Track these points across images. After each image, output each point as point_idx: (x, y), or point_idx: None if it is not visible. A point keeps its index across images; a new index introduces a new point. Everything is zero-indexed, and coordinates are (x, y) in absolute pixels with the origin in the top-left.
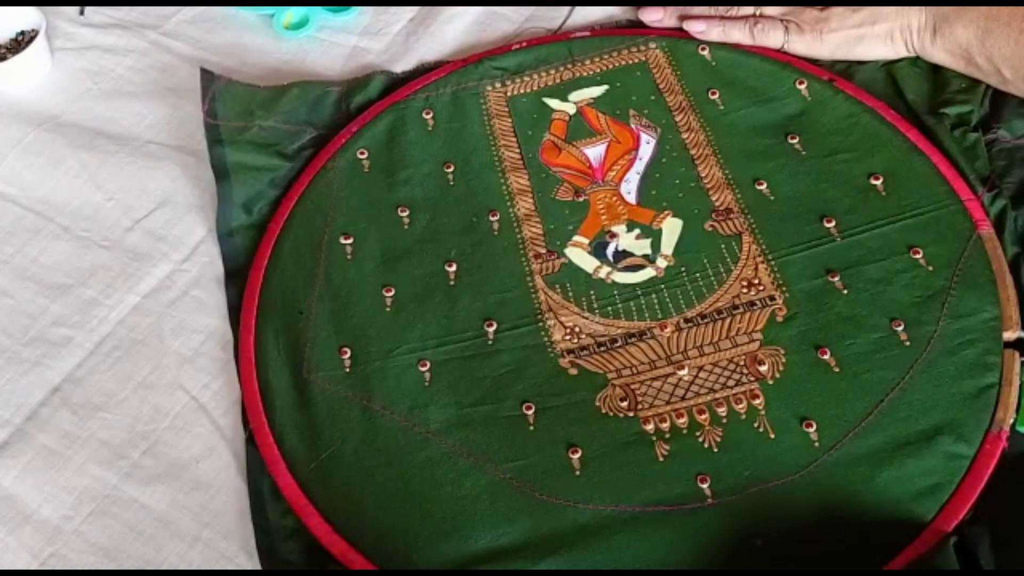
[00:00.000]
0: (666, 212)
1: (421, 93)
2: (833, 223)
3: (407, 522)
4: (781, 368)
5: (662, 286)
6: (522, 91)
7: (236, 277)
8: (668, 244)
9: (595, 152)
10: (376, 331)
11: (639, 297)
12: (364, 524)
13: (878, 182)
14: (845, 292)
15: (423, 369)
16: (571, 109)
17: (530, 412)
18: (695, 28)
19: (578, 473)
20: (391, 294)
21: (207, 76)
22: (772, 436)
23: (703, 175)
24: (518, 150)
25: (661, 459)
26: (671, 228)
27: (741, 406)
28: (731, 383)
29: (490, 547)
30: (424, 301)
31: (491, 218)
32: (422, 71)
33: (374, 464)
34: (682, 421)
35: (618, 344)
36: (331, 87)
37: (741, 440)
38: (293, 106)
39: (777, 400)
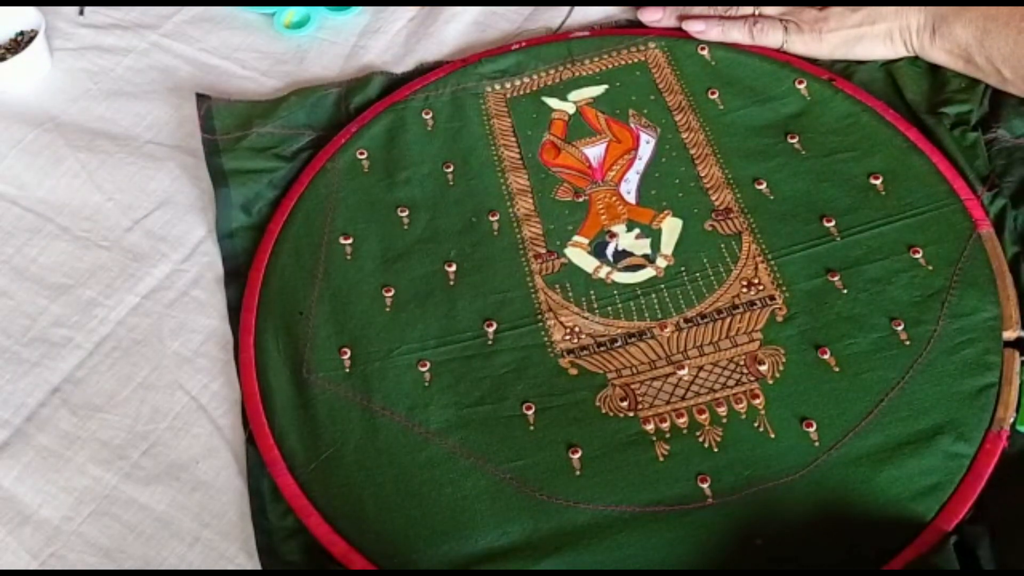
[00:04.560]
0: (666, 212)
1: (420, 93)
2: (833, 223)
3: (407, 522)
4: (781, 368)
5: (662, 286)
6: (521, 91)
7: (236, 277)
8: (668, 244)
9: (595, 152)
10: (376, 331)
11: (639, 297)
12: (364, 524)
13: (878, 181)
14: (845, 292)
15: (423, 369)
16: (571, 109)
17: (530, 412)
18: (694, 28)
19: (578, 473)
20: (391, 294)
21: (202, 99)
22: (772, 436)
23: (703, 175)
24: (517, 150)
25: (661, 459)
26: (671, 228)
27: (741, 406)
28: (731, 383)
29: (490, 547)
30: (424, 301)
31: (491, 218)
32: (421, 71)
33: (374, 464)
34: (682, 421)
35: (618, 344)
36: (330, 89)
37: (741, 440)
38: (292, 111)
39: (777, 400)
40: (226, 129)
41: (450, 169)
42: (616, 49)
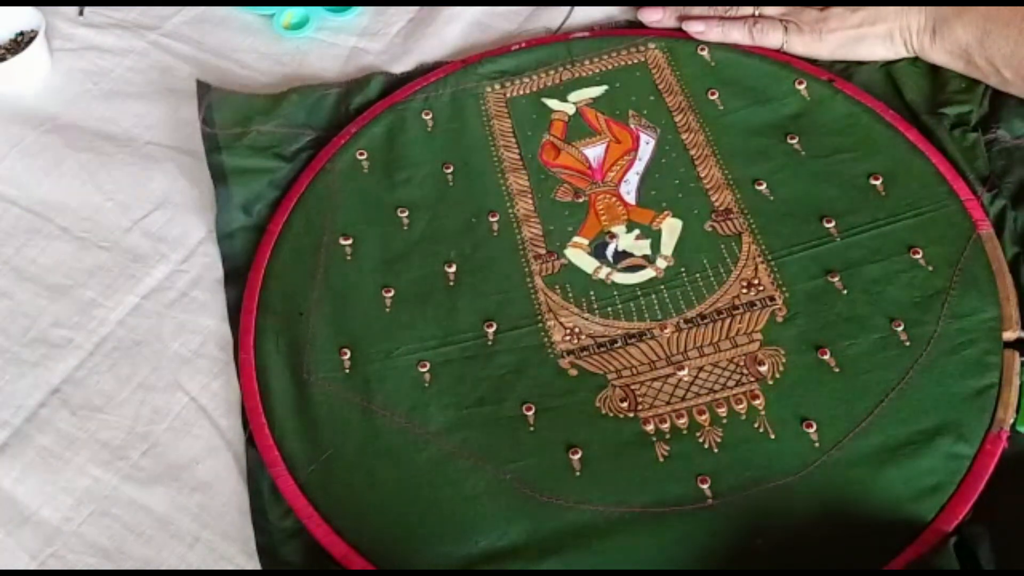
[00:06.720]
0: (666, 212)
1: (420, 94)
2: (833, 223)
3: (407, 523)
4: (781, 368)
5: (662, 287)
6: (521, 92)
7: (235, 278)
8: (668, 245)
9: (594, 152)
10: (376, 332)
11: (639, 298)
12: (364, 525)
13: (877, 182)
14: (845, 292)
15: (423, 370)
16: (570, 109)
17: (530, 413)
18: (694, 28)
19: (578, 474)
20: (391, 295)
21: (203, 87)
22: (772, 436)
23: (703, 175)
24: (517, 151)
25: (661, 460)
26: (671, 229)
27: (741, 406)
28: (731, 383)
29: (490, 548)
30: (424, 302)
31: (491, 219)
32: (421, 72)
33: (374, 465)
34: (682, 422)
35: (618, 345)
36: (330, 89)
37: (741, 440)
38: (292, 110)
39: (777, 400)
40: (226, 124)
41: (450, 170)
42: (616, 50)
